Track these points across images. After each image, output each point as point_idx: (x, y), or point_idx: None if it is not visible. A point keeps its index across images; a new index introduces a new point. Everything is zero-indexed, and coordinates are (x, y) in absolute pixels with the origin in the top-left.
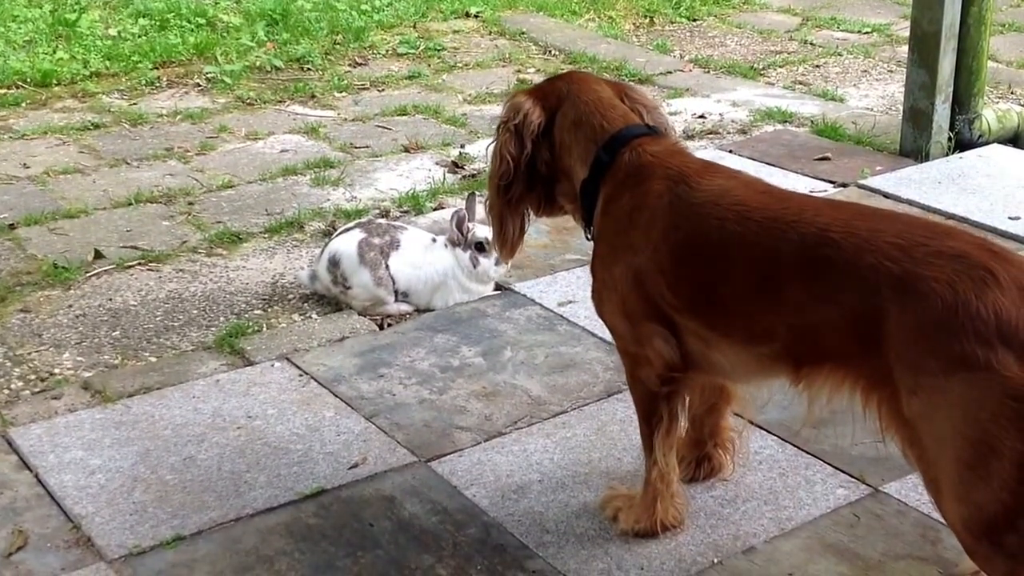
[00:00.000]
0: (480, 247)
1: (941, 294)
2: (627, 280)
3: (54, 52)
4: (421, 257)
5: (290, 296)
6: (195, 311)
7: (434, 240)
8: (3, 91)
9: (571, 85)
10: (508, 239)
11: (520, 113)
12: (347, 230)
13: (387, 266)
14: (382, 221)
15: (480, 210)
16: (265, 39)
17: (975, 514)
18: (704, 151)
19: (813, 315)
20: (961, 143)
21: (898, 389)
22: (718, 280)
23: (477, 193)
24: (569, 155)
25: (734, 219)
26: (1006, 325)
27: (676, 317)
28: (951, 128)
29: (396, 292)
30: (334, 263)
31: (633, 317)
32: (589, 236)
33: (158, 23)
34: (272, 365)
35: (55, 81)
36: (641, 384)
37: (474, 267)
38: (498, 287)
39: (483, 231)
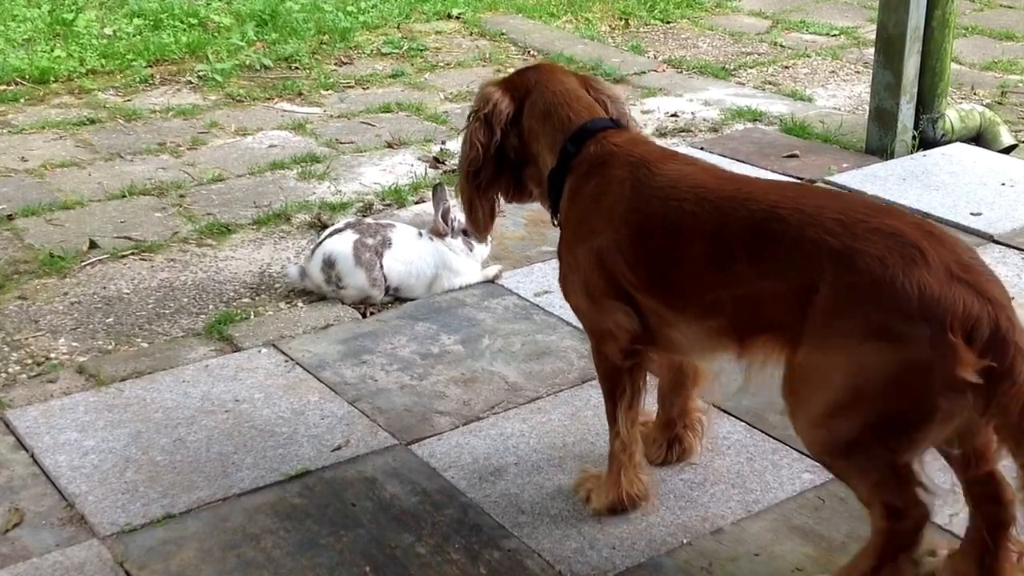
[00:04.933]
0: (468, 232)
1: (871, 267)
2: (590, 261)
3: (52, 50)
4: (412, 252)
5: (277, 285)
6: (186, 299)
7: (420, 235)
8: (2, 87)
9: (539, 76)
10: (479, 221)
11: (490, 103)
12: (338, 231)
13: (381, 266)
14: (370, 221)
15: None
16: (255, 39)
17: (832, 438)
18: (677, 148)
19: (757, 287)
20: (925, 142)
21: (801, 343)
22: (674, 258)
23: (446, 186)
24: (537, 143)
25: (691, 200)
26: (928, 302)
27: (636, 295)
28: (915, 127)
29: (387, 288)
30: (329, 264)
31: (595, 295)
32: (556, 222)
33: (152, 23)
34: (259, 351)
35: (53, 78)
36: (606, 359)
37: (470, 251)
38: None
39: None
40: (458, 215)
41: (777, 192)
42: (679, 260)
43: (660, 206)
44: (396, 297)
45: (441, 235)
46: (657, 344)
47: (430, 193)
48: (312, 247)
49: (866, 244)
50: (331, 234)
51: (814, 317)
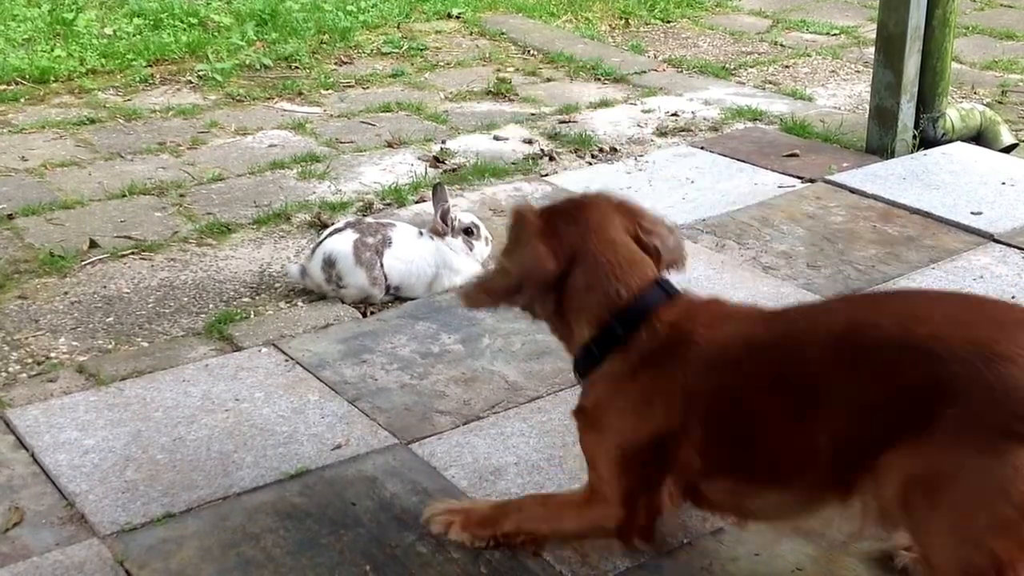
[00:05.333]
0: (468, 232)
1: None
2: (639, 450)
3: (52, 50)
4: (412, 251)
5: (277, 285)
6: (186, 299)
7: (421, 234)
8: (3, 87)
9: (587, 233)
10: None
11: (533, 262)
12: (338, 230)
13: (381, 264)
14: (371, 220)
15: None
16: (255, 38)
17: (994, 559)
18: (677, 148)
19: (858, 406)
20: (925, 141)
21: (934, 449)
22: (748, 424)
23: (446, 186)
24: (576, 313)
25: (745, 356)
26: None
27: (702, 483)
28: (916, 126)
29: (388, 288)
30: (329, 263)
31: (627, 477)
32: (578, 378)
33: (152, 22)
34: (259, 350)
35: (53, 78)
36: (600, 525)
37: (470, 250)
38: None
39: (468, 217)
40: (458, 215)
41: (841, 306)
42: (753, 425)
43: (720, 379)
44: (396, 296)
45: (441, 235)
46: (724, 511)
47: (430, 193)
48: (312, 246)
49: (1001, 343)
50: (331, 233)
51: (948, 420)
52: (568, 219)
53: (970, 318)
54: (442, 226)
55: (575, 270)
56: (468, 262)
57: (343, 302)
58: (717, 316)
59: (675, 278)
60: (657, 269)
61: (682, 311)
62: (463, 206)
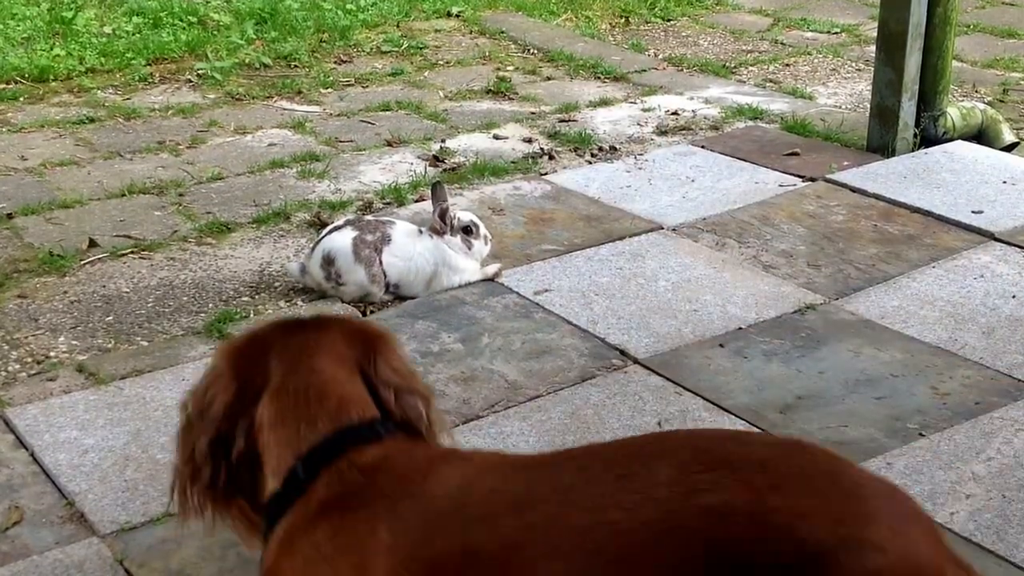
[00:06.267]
0: (467, 230)
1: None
2: None
3: (51, 49)
4: (411, 249)
5: (277, 284)
6: (185, 298)
7: (420, 232)
8: (2, 86)
9: (291, 359)
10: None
11: (207, 387)
12: (338, 228)
13: (380, 262)
14: (370, 217)
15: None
16: (254, 37)
17: None
18: (677, 146)
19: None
20: (926, 139)
21: None
22: None
23: (445, 185)
24: (264, 457)
25: (501, 509)
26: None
27: None
28: (917, 125)
29: (387, 285)
30: (328, 260)
31: None
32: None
33: (151, 21)
34: None
35: (52, 77)
36: None
37: (469, 249)
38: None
39: (467, 216)
40: (457, 213)
41: (660, 451)
42: None
43: (451, 538)
44: (396, 295)
45: (440, 233)
46: None
47: (429, 192)
48: (312, 244)
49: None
50: (331, 231)
51: None
52: (275, 342)
53: (825, 485)
54: (440, 225)
55: (265, 402)
56: (467, 261)
57: (343, 300)
58: (439, 457)
59: None
60: (393, 413)
61: (392, 454)
62: (462, 205)
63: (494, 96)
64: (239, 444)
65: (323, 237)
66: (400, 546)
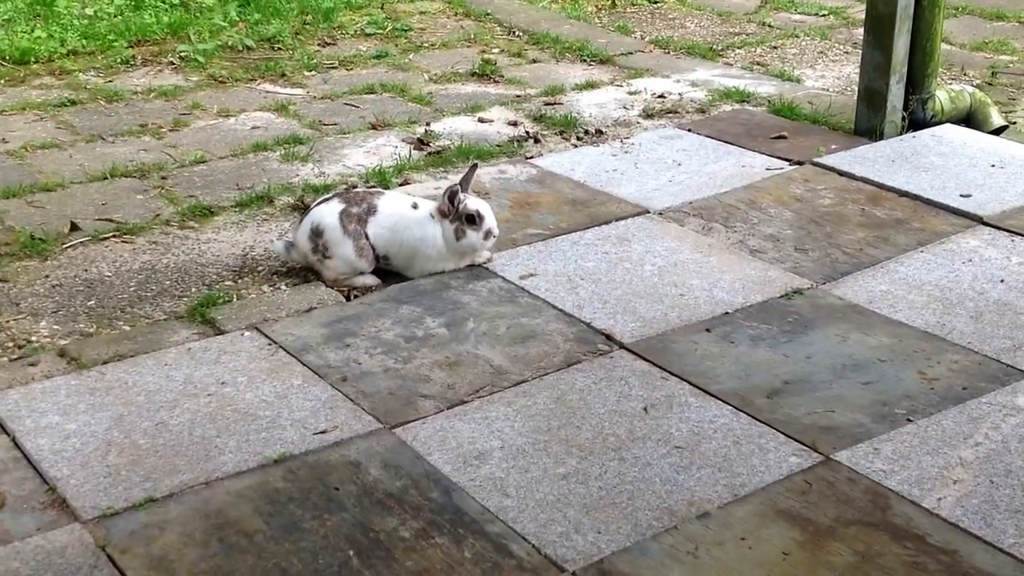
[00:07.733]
0: (471, 220)
1: None
2: None
3: (32, 31)
4: (399, 220)
5: (260, 268)
6: (168, 282)
7: (415, 206)
8: None
9: None
10: None
11: None
12: (326, 200)
13: (366, 235)
14: (359, 189)
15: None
16: (237, 19)
17: None
18: (663, 130)
19: None
20: (915, 123)
21: None
22: None
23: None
24: None
25: None
26: None
27: None
28: (905, 108)
29: (378, 257)
30: (316, 233)
31: None
32: None
33: (133, 3)
34: (242, 334)
35: (33, 59)
36: None
37: (457, 239)
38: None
39: (475, 203)
40: (466, 200)
41: None
42: None
43: None
44: (387, 267)
45: (445, 215)
46: None
47: (415, 175)
48: (300, 216)
49: None
50: (319, 203)
51: None
52: None
53: None
54: (448, 207)
55: None
56: (447, 252)
57: (326, 283)
58: None
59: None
60: None
61: None
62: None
63: (479, 79)
64: None
65: (311, 209)
66: None
